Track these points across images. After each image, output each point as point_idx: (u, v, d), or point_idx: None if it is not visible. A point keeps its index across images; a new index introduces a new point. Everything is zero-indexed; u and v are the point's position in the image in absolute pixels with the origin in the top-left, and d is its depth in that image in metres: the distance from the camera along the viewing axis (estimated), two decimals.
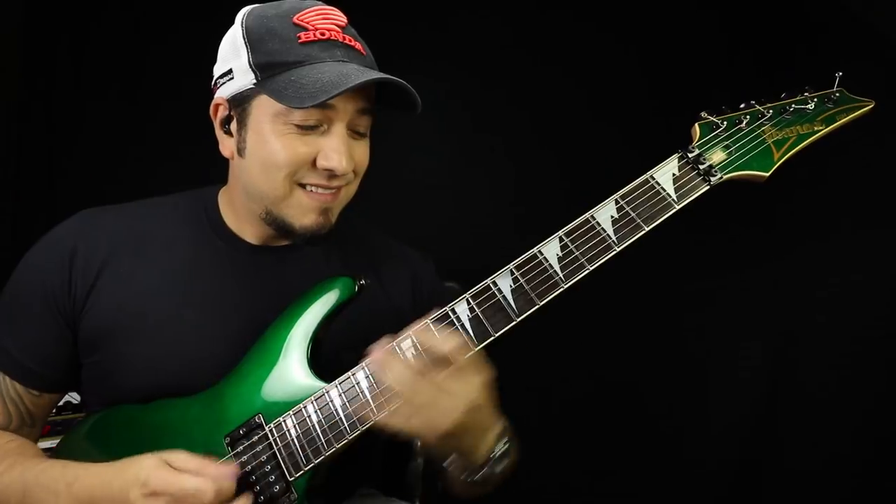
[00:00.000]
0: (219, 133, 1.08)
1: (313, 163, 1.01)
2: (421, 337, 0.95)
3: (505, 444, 1.01)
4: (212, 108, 1.08)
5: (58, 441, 1.12)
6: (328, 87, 0.94)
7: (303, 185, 1.03)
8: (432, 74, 2.01)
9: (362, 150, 1.07)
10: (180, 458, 0.94)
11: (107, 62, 2.03)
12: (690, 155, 1.00)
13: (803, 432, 2.02)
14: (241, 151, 1.06)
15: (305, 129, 1.00)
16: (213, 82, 1.08)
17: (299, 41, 0.98)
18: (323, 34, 1.00)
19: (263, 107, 1.00)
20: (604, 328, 2.04)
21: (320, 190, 1.04)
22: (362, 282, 1.06)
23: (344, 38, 1.01)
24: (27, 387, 1.09)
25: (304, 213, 1.04)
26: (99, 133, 2.02)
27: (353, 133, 1.05)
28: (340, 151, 1.00)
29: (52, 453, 1.09)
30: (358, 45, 1.03)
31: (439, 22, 2.08)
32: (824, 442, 2.01)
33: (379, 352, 0.95)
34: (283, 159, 1.00)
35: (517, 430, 1.98)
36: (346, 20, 1.04)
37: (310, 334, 1.04)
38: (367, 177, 1.10)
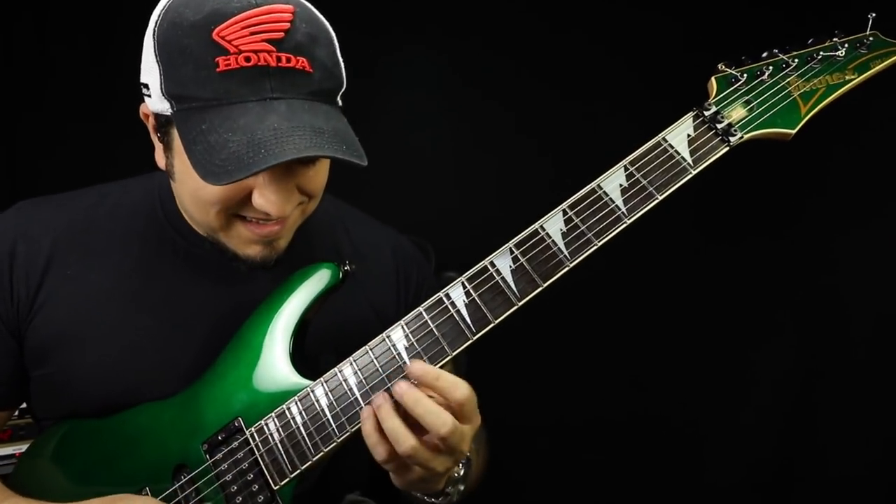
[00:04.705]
0: (153, 138, 0.95)
1: (250, 194, 0.88)
2: (429, 378, 0.81)
3: (463, 465, 0.94)
4: (140, 113, 0.95)
5: (20, 448, 1.04)
6: (230, 162, 0.79)
7: (242, 216, 0.92)
8: (432, 45, 1.88)
9: (314, 176, 0.93)
10: None
11: (75, 19, 1.83)
12: (707, 113, 0.90)
13: (843, 436, 1.81)
14: (170, 174, 0.94)
15: None
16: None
17: (217, 69, 0.80)
18: (248, 59, 0.80)
19: None
20: (620, 327, 1.88)
21: (261, 221, 0.92)
22: (347, 267, 0.97)
23: (278, 61, 0.81)
24: None
25: (245, 244, 0.95)
26: (64, 95, 1.84)
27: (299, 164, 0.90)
28: (275, 196, 0.87)
29: (11, 479, 0.99)
30: (301, 62, 0.83)
31: None
32: (865, 445, 1.81)
33: (378, 400, 0.84)
34: (212, 197, 0.88)
35: (525, 434, 1.82)
36: (288, 22, 0.82)
37: (292, 328, 0.95)
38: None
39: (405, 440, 0.80)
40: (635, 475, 1.90)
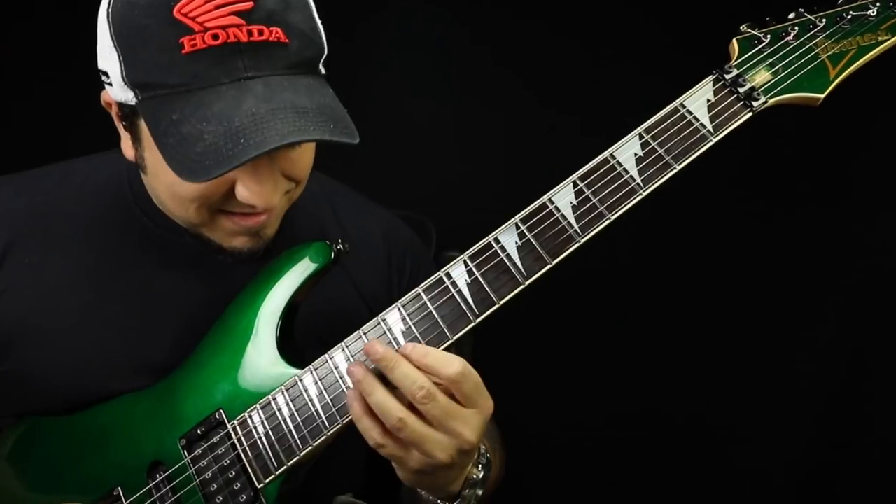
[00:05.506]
0: (119, 127, 0.87)
1: (232, 187, 0.81)
2: (416, 355, 0.74)
3: (482, 467, 0.84)
4: (102, 101, 0.87)
5: None
6: (208, 156, 0.72)
7: (225, 210, 0.85)
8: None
9: (299, 159, 0.86)
10: None
11: None
12: (728, 76, 0.84)
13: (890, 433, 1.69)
14: (142, 168, 0.86)
15: None
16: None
17: (182, 51, 0.72)
18: (216, 37, 0.72)
19: None
20: (646, 319, 1.76)
21: (246, 213, 0.85)
22: (339, 247, 0.90)
23: (249, 35, 0.73)
24: None
25: (230, 236, 0.88)
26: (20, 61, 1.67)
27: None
28: (260, 187, 0.80)
29: None
30: (276, 33, 0.75)
31: None
32: None
33: (359, 373, 0.75)
34: (191, 193, 0.82)
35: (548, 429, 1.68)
36: None
37: (279, 312, 0.88)
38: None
39: (394, 411, 0.71)
40: (665, 474, 1.79)
